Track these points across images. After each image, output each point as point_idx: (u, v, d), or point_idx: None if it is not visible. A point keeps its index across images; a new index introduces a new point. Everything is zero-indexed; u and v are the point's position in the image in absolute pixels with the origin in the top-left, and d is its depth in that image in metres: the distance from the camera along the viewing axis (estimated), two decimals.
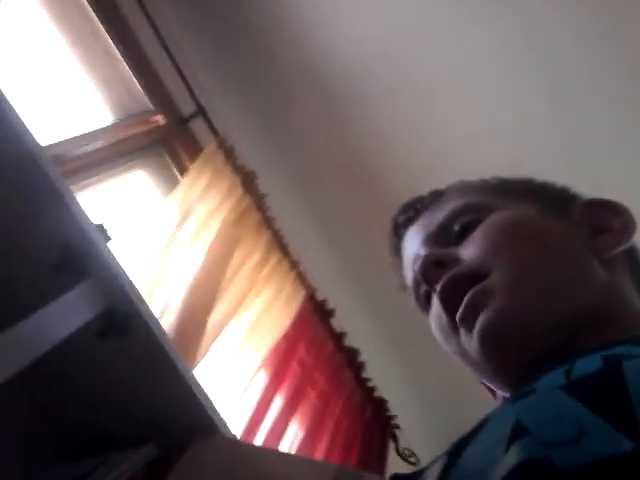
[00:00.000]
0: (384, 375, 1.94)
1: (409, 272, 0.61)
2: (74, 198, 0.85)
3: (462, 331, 0.52)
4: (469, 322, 0.50)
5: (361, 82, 1.81)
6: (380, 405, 1.89)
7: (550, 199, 0.59)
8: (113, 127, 1.48)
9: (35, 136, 0.84)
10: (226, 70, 1.83)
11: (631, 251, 0.58)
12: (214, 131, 1.69)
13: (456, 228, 0.57)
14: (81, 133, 1.35)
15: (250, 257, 1.62)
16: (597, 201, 0.59)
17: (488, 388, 0.61)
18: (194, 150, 1.66)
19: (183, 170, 1.62)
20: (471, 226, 0.55)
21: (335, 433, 1.61)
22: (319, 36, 1.77)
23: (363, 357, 1.91)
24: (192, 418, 0.93)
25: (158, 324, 0.90)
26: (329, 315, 1.88)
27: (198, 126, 1.69)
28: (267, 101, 1.88)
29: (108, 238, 0.86)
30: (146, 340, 0.88)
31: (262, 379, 1.54)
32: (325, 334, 1.85)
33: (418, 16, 1.70)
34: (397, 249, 0.65)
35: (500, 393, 0.59)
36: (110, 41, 1.53)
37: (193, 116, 1.68)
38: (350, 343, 1.90)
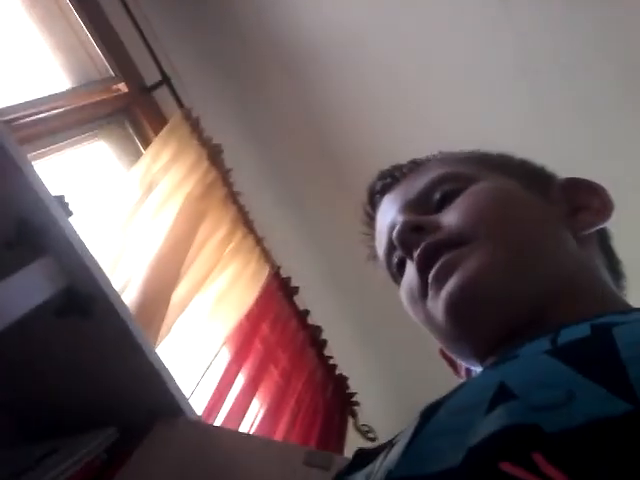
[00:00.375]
0: (345, 353, 1.95)
1: (383, 239, 0.59)
2: (31, 167, 0.80)
3: (430, 295, 0.51)
4: (440, 283, 0.49)
5: (329, 60, 1.78)
6: (341, 382, 1.91)
7: (530, 176, 0.59)
8: (72, 92, 1.41)
9: None
10: (193, 40, 1.77)
11: (603, 232, 0.58)
12: (179, 102, 1.63)
13: (436, 196, 0.56)
14: (37, 97, 1.28)
15: (215, 232, 1.58)
16: (576, 180, 0.59)
17: (449, 361, 0.61)
18: (158, 121, 1.60)
19: (146, 141, 1.57)
20: (452, 195, 0.54)
21: (296, 411, 1.62)
22: (289, 10, 1.72)
23: (325, 335, 1.91)
24: (155, 399, 0.91)
25: (122, 304, 0.87)
26: (293, 293, 1.87)
27: (163, 96, 1.63)
28: (235, 74, 1.83)
29: (69, 212, 0.82)
30: (109, 321, 0.85)
31: (225, 356, 1.52)
32: (289, 312, 1.84)
33: None
34: (371, 217, 0.63)
35: (463, 366, 0.58)
36: (70, 4, 1.44)
37: (157, 85, 1.61)
38: (313, 321, 1.90)
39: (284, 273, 1.87)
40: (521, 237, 0.51)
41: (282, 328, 1.76)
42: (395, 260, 0.57)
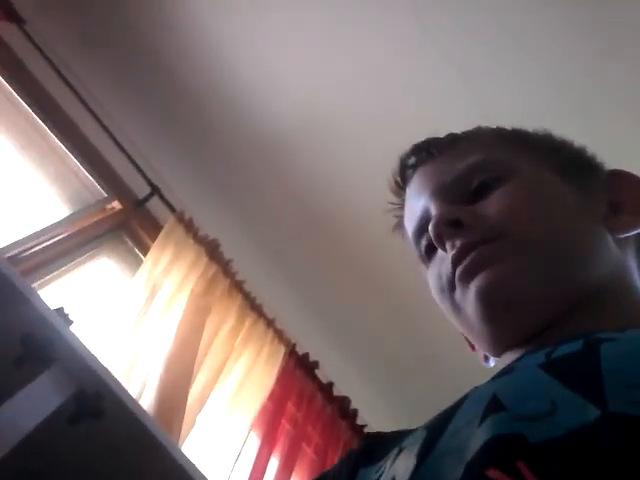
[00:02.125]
0: (378, 418, 1.92)
1: (413, 219, 0.58)
2: (32, 290, 0.87)
3: (459, 287, 0.50)
4: (469, 277, 0.49)
5: (300, 133, 1.88)
6: None
7: (573, 165, 0.57)
8: (69, 219, 1.52)
9: None
10: (172, 146, 1.89)
11: None
12: (171, 207, 1.73)
13: (473, 185, 0.54)
14: (37, 230, 1.38)
15: (224, 323, 1.63)
16: (621, 173, 0.57)
17: (469, 343, 0.60)
18: (154, 229, 1.70)
19: (146, 250, 1.65)
20: (489, 185, 0.53)
21: None
22: (256, 95, 1.84)
23: (355, 404, 1.90)
24: None
25: (132, 399, 0.90)
26: (313, 367, 1.88)
27: (154, 205, 1.73)
28: (216, 168, 1.93)
29: (69, 321, 0.88)
30: (122, 418, 0.88)
31: (254, 442, 1.52)
32: (312, 387, 1.84)
33: (346, 66, 1.79)
34: (401, 191, 0.62)
35: (482, 353, 0.58)
36: (57, 139, 1.58)
37: (148, 197, 1.72)
38: (339, 392, 1.90)
39: (301, 349, 1.89)
40: (557, 240, 0.50)
41: (308, 404, 1.76)
42: (424, 243, 0.57)
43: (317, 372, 1.88)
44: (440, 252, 0.54)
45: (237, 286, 1.78)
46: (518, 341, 0.49)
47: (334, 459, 1.66)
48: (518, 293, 0.48)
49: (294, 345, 1.87)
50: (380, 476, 0.44)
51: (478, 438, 0.35)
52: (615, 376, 0.35)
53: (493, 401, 0.38)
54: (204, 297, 1.59)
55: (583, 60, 1.50)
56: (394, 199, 0.65)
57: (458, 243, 0.50)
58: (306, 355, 1.89)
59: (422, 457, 0.39)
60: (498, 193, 0.52)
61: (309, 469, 1.58)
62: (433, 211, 0.54)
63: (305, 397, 1.78)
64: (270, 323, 1.82)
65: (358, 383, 2.00)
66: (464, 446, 0.36)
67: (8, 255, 1.23)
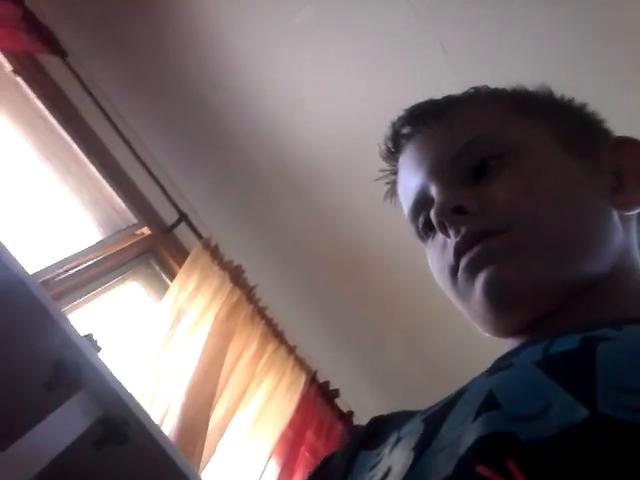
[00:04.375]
0: None
1: (409, 197, 0.55)
2: (64, 316, 0.91)
3: (463, 277, 0.49)
4: (475, 269, 0.48)
5: (329, 166, 1.91)
6: None
7: (578, 131, 0.54)
8: (101, 244, 1.57)
9: (22, 264, 0.91)
10: (201, 173, 1.94)
11: None
12: (197, 234, 1.78)
13: (475, 162, 0.51)
14: (70, 254, 1.43)
15: (246, 349, 1.65)
16: (627, 140, 0.53)
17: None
18: (181, 255, 1.74)
19: (172, 275, 1.69)
20: (492, 164, 0.51)
21: None
22: (288, 123, 1.88)
23: None
24: None
25: (155, 426, 0.93)
26: (334, 396, 1.89)
27: (182, 231, 1.78)
28: (244, 195, 1.97)
29: (98, 348, 0.91)
30: (145, 444, 0.90)
31: (273, 470, 1.53)
32: (332, 415, 1.84)
33: (386, 98, 1.82)
34: (393, 159, 0.59)
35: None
36: (92, 166, 1.64)
37: (176, 223, 1.77)
38: (359, 421, 1.89)
39: (322, 377, 1.90)
40: (567, 231, 0.48)
41: (328, 433, 1.76)
42: (422, 221, 0.54)
43: (337, 401, 1.89)
44: (440, 235, 0.51)
45: (260, 312, 1.80)
46: (522, 328, 0.49)
47: None
48: (526, 290, 0.47)
49: (315, 373, 1.88)
50: (379, 462, 0.45)
51: (471, 434, 0.36)
52: (607, 378, 0.35)
53: (489, 398, 0.38)
54: (227, 323, 1.62)
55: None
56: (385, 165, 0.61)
57: (463, 230, 0.49)
58: (327, 383, 1.89)
59: (419, 452, 0.39)
60: (503, 177, 0.50)
61: None
62: (434, 194, 0.52)
63: (325, 426, 1.78)
64: (292, 350, 1.84)
65: (378, 412, 1.99)
66: (457, 442, 0.36)
67: (42, 280, 1.27)
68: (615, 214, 0.50)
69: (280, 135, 1.90)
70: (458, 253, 0.49)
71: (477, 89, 0.58)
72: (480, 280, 0.48)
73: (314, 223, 1.99)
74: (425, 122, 0.56)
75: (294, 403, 1.68)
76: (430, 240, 0.54)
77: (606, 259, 0.49)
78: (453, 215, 0.49)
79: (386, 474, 0.41)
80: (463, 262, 0.49)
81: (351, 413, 1.90)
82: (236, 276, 1.78)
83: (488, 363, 0.46)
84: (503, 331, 0.51)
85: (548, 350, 0.40)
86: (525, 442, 0.33)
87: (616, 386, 0.35)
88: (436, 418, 0.41)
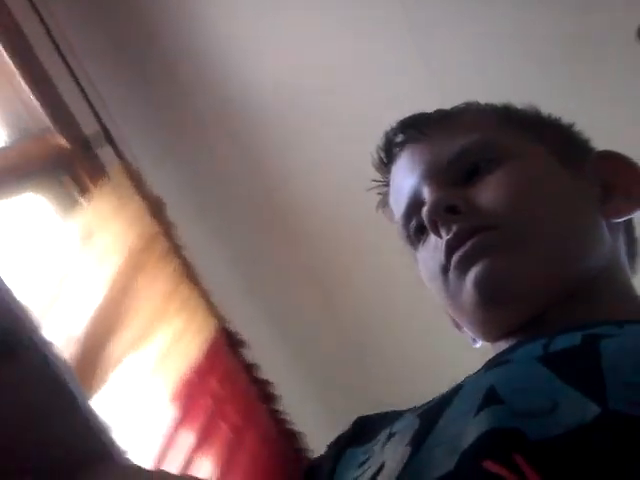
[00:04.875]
0: (298, 408, 1.90)
1: (401, 200, 0.56)
2: None
3: (454, 274, 0.49)
4: (467, 265, 0.48)
5: (271, 114, 1.83)
6: (295, 438, 1.84)
7: (568, 145, 0.56)
8: (7, 148, 1.39)
9: None
10: (133, 94, 1.79)
11: (629, 219, 0.56)
12: (120, 155, 1.63)
13: (468, 167, 0.52)
14: None
15: (158, 286, 1.55)
16: (611, 154, 0.56)
17: (455, 323, 0.60)
18: (98, 174, 1.59)
19: (86, 195, 1.54)
20: (484, 168, 0.51)
21: (249, 468, 1.54)
22: (229, 59, 1.78)
23: (279, 392, 1.86)
24: (88, 452, 0.85)
25: (48, 343, 0.82)
26: (241, 346, 1.83)
27: (102, 150, 1.62)
28: (177, 129, 1.85)
29: None
30: (34, 359, 0.80)
31: (172, 413, 1.45)
32: (238, 366, 1.78)
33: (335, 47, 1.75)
34: (385, 169, 0.60)
35: (469, 334, 0.57)
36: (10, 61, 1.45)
37: (97, 139, 1.61)
38: (264, 376, 1.85)
39: (231, 327, 1.83)
40: (558, 231, 0.49)
41: (232, 383, 1.71)
42: (414, 225, 0.55)
43: (244, 352, 1.83)
44: (433, 236, 0.52)
45: (177, 250, 1.69)
46: (512, 329, 0.49)
47: (249, 442, 1.62)
48: (518, 286, 0.47)
49: (225, 320, 1.81)
50: (368, 458, 0.44)
51: (473, 429, 0.35)
52: (615, 374, 0.35)
53: (490, 393, 0.37)
54: (141, 255, 1.51)
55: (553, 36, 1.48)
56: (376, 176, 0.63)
57: (455, 228, 0.49)
58: (236, 333, 1.83)
59: (416, 446, 0.38)
60: (496, 177, 0.50)
61: (223, 448, 1.53)
62: (426, 195, 0.52)
63: (230, 375, 1.72)
64: (205, 294, 1.75)
65: (285, 366, 1.97)
66: (458, 436, 0.36)
67: None
68: (602, 222, 0.52)
69: (224, 72, 1.79)
70: (450, 250, 0.49)
71: (469, 103, 0.60)
72: (472, 274, 0.48)
73: (247, 170, 1.90)
74: (419, 131, 0.57)
75: (201, 348, 1.60)
76: (421, 245, 0.55)
77: (595, 262, 0.50)
78: (445, 214, 0.50)
79: (379, 469, 0.41)
80: (455, 258, 0.49)
81: (256, 366, 1.85)
82: (156, 208, 1.65)
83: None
84: (493, 331, 0.51)
85: (548, 347, 0.40)
86: (533, 439, 0.33)
87: (626, 382, 0.34)
88: (432, 414, 0.41)
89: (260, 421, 1.74)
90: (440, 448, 0.37)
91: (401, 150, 0.58)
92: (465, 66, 1.60)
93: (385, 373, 1.88)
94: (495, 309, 0.48)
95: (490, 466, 0.32)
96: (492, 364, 0.43)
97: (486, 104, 0.60)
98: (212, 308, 1.75)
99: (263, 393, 1.81)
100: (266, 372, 1.85)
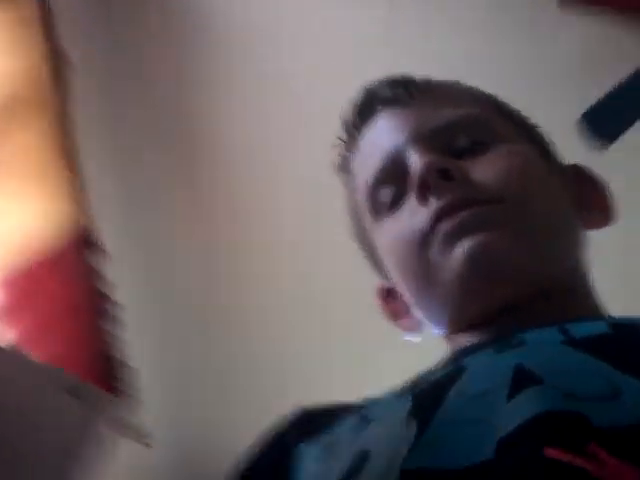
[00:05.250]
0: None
1: (375, 163, 0.51)
2: None
3: (439, 244, 0.45)
4: (459, 235, 0.44)
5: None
6: (115, 364, 1.66)
7: (549, 150, 0.55)
8: None
9: None
10: None
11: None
12: None
13: (459, 142, 0.49)
14: None
15: (26, 138, 1.31)
16: (581, 170, 0.56)
17: (392, 309, 0.56)
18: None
19: None
20: (480, 146, 0.49)
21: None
22: None
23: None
24: None
25: None
26: (95, 252, 1.62)
27: None
28: None
29: None
30: None
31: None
32: (84, 271, 1.57)
33: None
34: (357, 128, 0.54)
35: (413, 319, 0.53)
36: None
37: None
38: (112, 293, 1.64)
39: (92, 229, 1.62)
40: (550, 220, 0.48)
41: (73, 286, 1.51)
42: (388, 192, 0.50)
43: (97, 260, 1.62)
44: (410, 204, 0.48)
45: (62, 115, 1.44)
46: (485, 318, 0.46)
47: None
48: (511, 265, 0.45)
49: (89, 219, 1.58)
50: (332, 452, 0.39)
51: (515, 411, 0.31)
52: None
53: (522, 372, 0.33)
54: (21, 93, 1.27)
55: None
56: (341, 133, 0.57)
57: (448, 196, 0.46)
58: (96, 236, 1.61)
59: (423, 423, 0.34)
60: (491, 156, 0.48)
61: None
62: (415, 158, 0.48)
63: (73, 277, 1.52)
64: (77, 179, 1.54)
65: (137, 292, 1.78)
66: (488, 417, 0.32)
67: None
68: (580, 225, 0.52)
69: None
70: (438, 217, 0.46)
71: (458, 81, 0.57)
72: (466, 245, 0.44)
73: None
74: (408, 91, 0.53)
75: (51, 238, 1.39)
76: (389, 216, 0.51)
77: (574, 261, 0.50)
78: (439, 179, 0.46)
79: (363, 459, 0.35)
80: (445, 226, 0.45)
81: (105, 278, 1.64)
82: (56, 58, 1.41)
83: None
84: (464, 315, 0.47)
85: (569, 333, 0.37)
86: (601, 427, 0.29)
87: None
88: (431, 393, 0.36)
89: (85, 337, 1.55)
90: (463, 429, 0.32)
91: (382, 110, 0.53)
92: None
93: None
94: (479, 288, 0.45)
95: (556, 454, 0.27)
96: (500, 346, 0.38)
97: (476, 87, 0.58)
98: (78, 198, 1.53)
99: (100, 308, 1.61)
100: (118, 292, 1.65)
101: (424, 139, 0.49)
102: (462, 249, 0.44)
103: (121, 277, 1.65)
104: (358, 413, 0.41)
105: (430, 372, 0.41)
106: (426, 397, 0.36)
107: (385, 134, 0.51)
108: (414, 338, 0.55)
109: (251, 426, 0.50)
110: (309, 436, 0.44)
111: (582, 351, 0.35)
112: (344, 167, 0.57)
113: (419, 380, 0.40)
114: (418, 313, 0.52)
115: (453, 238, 0.45)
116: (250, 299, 1.63)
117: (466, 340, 0.47)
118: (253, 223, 1.66)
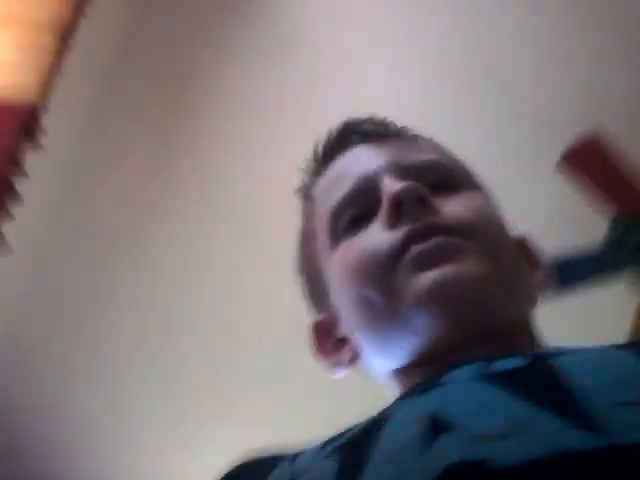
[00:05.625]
0: None
1: (345, 185, 0.49)
2: None
3: (406, 269, 0.44)
4: (429, 263, 0.43)
5: None
6: None
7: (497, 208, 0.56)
8: None
9: None
10: None
11: None
12: None
13: (433, 181, 0.48)
14: None
15: None
16: (525, 240, 0.55)
17: (321, 343, 0.52)
18: None
19: None
20: (448, 188, 0.49)
21: None
22: None
23: None
24: None
25: None
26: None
27: None
28: None
29: None
30: None
31: None
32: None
33: None
34: (332, 153, 0.53)
35: (348, 356, 0.50)
36: None
37: None
38: None
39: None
40: (514, 259, 0.48)
41: None
42: (352, 212, 0.48)
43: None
44: (375, 227, 0.47)
45: None
46: (437, 352, 0.44)
47: None
48: (480, 297, 0.44)
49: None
50: None
51: (425, 468, 0.30)
52: (590, 393, 0.32)
53: (434, 419, 0.32)
54: None
55: None
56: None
57: (422, 220, 0.45)
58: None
59: None
60: (458, 197, 0.48)
61: None
62: (391, 181, 0.47)
63: None
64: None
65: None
66: (406, 477, 0.30)
67: None
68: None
69: None
70: (410, 239, 0.44)
71: (417, 134, 0.58)
72: (434, 275, 0.43)
73: None
74: (387, 131, 0.54)
75: None
76: (349, 237, 0.48)
77: (530, 305, 0.49)
78: (413, 203, 0.45)
79: None
80: (417, 250, 0.44)
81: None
82: None
83: None
84: (417, 346, 0.45)
85: (489, 367, 0.37)
86: (502, 465, 0.29)
87: (612, 401, 0.31)
88: (353, 453, 0.34)
89: None
90: None
91: (358, 143, 0.53)
92: None
93: None
94: (447, 314, 0.43)
95: None
96: (421, 390, 0.37)
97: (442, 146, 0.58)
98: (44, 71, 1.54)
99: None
100: None
101: (399, 170, 0.48)
102: (433, 274, 0.42)
103: None
104: (290, 467, 0.38)
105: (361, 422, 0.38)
106: (347, 461, 0.34)
107: (359, 162, 0.51)
108: (341, 374, 0.52)
109: None
110: None
111: (494, 386, 0.34)
112: (305, 193, 0.55)
113: (346, 432, 0.37)
114: (361, 346, 0.49)
115: (424, 262, 0.43)
116: None
117: (408, 380, 0.45)
118: None
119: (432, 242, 0.44)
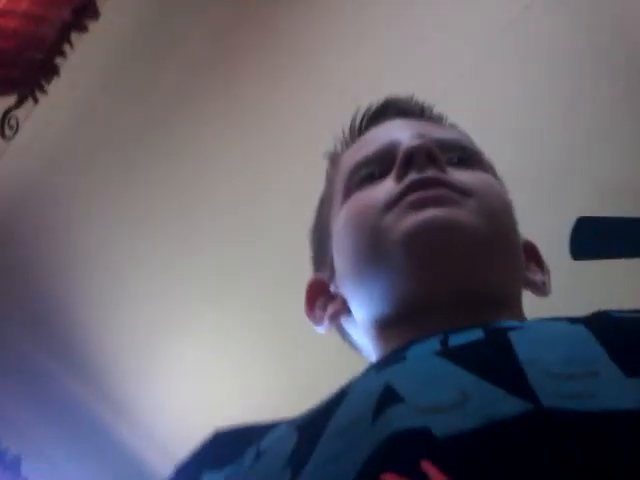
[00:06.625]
0: None
1: (371, 146, 0.52)
2: None
3: (400, 210, 0.45)
4: (424, 204, 0.44)
5: None
6: None
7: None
8: None
9: None
10: None
11: None
12: None
13: (455, 158, 0.51)
14: None
15: None
16: (529, 244, 0.57)
17: (311, 298, 0.54)
18: None
19: None
20: (465, 166, 0.51)
21: None
22: None
23: None
24: None
25: None
26: None
27: None
28: None
29: None
30: None
31: None
32: None
33: None
34: (368, 124, 0.56)
35: (333, 309, 0.52)
36: None
37: None
38: None
39: None
40: (509, 234, 0.49)
41: None
42: (366, 171, 0.51)
43: None
44: (385, 182, 0.49)
45: None
46: (416, 307, 0.45)
47: None
48: (462, 253, 0.44)
49: None
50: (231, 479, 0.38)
51: (372, 437, 0.30)
52: (535, 366, 0.32)
53: (387, 392, 0.33)
54: None
55: None
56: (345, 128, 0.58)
57: (427, 173, 0.47)
58: None
59: (296, 468, 0.33)
60: (475, 172, 0.51)
61: None
62: (408, 141, 0.50)
63: None
64: None
65: None
66: (354, 449, 0.31)
67: None
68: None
69: None
70: (410, 187, 0.46)
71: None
72: (425, 215, 0.44)
73: None
74: (421, 111, 0.57)
75: None
76: (360, 190, 0.51)
77: (514, 288, 0.50)
78: (423, 157, 0.47)
79: None
80: (415, 195, 0.45)
81: None
82: None
83: None
84: (401, 293, 0.46)
85: (446, 342, 0.37)
86: (443, 437, 0.29)
87: (548, 373, 0.32)
88: (313, 425, 0.35)
89: None
90: (330, 467, 0.31)
91: (394, 117, 0.56)
92: None
93: None
94: (426, 262, 0.44)
95: (390, 479, 0.27)
96: (382, 365, 0.38)
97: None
98: None
99: None
100: None
101: (421, 138, 0.50)
102: (423, 215, 0.44)
103: None
104: (258, 442, 0.39)
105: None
106: (306, 433, 0.35)
107: (388, 131, 0.54)
108: (324, 330, 0.54)
109: None
110: (217, 463, 0.42)
111: (446, 359, 0.35)
112: (333, 160, 0.58)
113: (315, 407, 0.39)
114: (348, 299, 0.51)
115: (421, 205, 0.45)
116: None
117: (382, 345, 0.47)
118: None
119: (432, 191, 0.45)
